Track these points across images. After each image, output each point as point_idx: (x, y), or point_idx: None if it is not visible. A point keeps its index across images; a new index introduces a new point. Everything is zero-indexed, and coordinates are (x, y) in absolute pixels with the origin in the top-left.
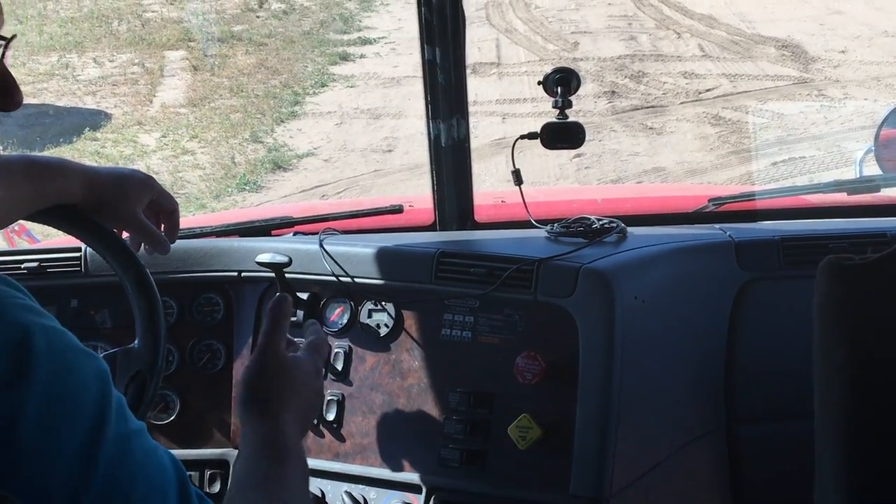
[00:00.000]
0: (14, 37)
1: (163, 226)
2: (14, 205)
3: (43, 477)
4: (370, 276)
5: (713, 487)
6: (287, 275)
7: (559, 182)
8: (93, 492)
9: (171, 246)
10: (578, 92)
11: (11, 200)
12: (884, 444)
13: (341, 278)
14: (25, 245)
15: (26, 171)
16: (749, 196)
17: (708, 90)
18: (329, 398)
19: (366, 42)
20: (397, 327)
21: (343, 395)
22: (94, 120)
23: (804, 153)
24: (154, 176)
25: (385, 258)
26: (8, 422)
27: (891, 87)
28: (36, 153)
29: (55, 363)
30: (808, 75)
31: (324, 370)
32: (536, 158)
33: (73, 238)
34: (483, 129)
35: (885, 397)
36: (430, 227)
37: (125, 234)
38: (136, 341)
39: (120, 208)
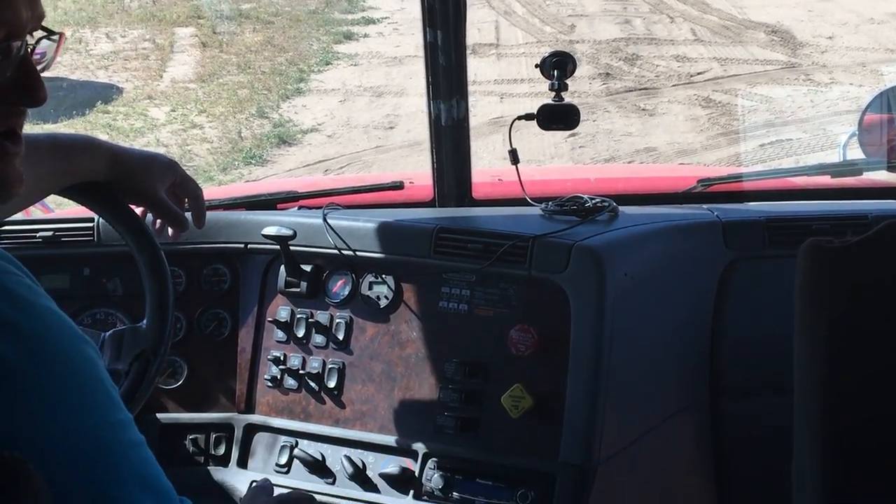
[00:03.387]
0: (61, 34)
1: (189, 211)
2: (40, 182)
3: (32, 457)
4: (371, 250)
5: (697, 458)
6: (291, 247)
7: (554, 160)
8: (77, 475)
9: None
10: (574, 73)
11: (38, 177)
12: (860, 421)
13: (344, 251)
14: (40, 214)
15: (52, 148)
16: (736, 178)
17: (699, 73)
18: (330, 366)
19: (369, 22)
20: (397, 299)
21: (344, 364)
22: (106, 93)
23: (791, 136)
24: (164, 149)
25: (386, 233)
26: (6, 398)
27: (875, 72)
28: (50, 125)
29: (46, 349)
30: (796, 60)
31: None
32: (533, 138)
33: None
34: (481, 109)
35: (862, 376)
36: (430, 204)
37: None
38: (144, 321)
39: (144, 187)
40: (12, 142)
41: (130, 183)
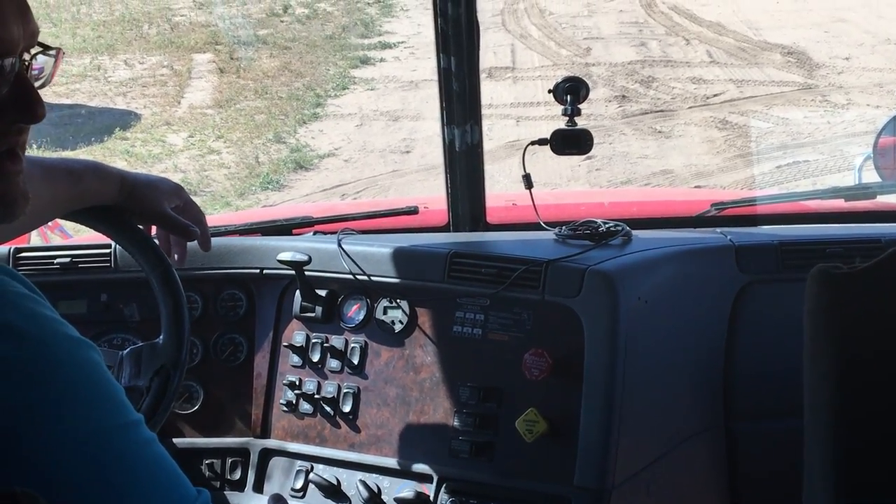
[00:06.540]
0: (59, 49)
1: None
2: (52, 204)
3: (39, 465)
4: (386, 275)
5: (711, 481)
6: (307, 272)
7: (571, 183)
8: (88, 479)
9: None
10: (590, 96)
11: (50, 200)
12: (869, 444)
13: (358, 276)
14: (59, 241)
15: (66, 172)
16: (750, 201)
17: (715, 95)
18: (345, 391)
19: (386, 46)
20: (411, 324)
21: (359, 388)
22: (125, 120)
23: (807, 157)
24: (181, 174)
25: (400, 258)
26: (6, 410)
27: (892, 93)
28: (68, 152)
29: (49, 351)
30: (812, 81)
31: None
32: (549, 161)
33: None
34: (498, 132)
35: (870, 400)
36: (444, 228)
37: (154, 233)
38: (160, 336)
39: (151, 206)
40: (12, 161)
41: (138, 204)
